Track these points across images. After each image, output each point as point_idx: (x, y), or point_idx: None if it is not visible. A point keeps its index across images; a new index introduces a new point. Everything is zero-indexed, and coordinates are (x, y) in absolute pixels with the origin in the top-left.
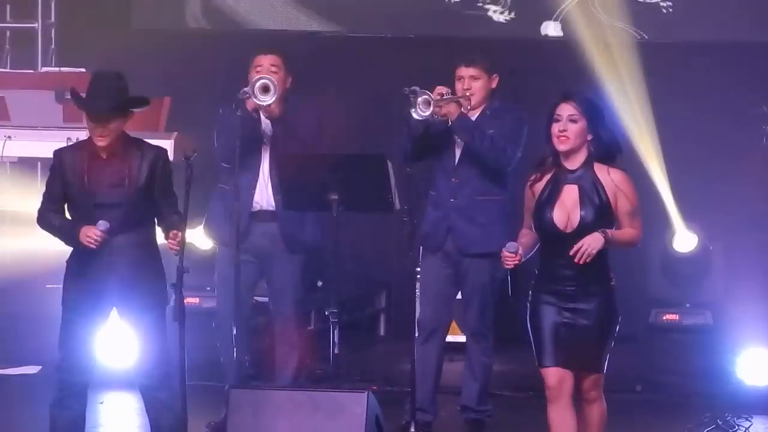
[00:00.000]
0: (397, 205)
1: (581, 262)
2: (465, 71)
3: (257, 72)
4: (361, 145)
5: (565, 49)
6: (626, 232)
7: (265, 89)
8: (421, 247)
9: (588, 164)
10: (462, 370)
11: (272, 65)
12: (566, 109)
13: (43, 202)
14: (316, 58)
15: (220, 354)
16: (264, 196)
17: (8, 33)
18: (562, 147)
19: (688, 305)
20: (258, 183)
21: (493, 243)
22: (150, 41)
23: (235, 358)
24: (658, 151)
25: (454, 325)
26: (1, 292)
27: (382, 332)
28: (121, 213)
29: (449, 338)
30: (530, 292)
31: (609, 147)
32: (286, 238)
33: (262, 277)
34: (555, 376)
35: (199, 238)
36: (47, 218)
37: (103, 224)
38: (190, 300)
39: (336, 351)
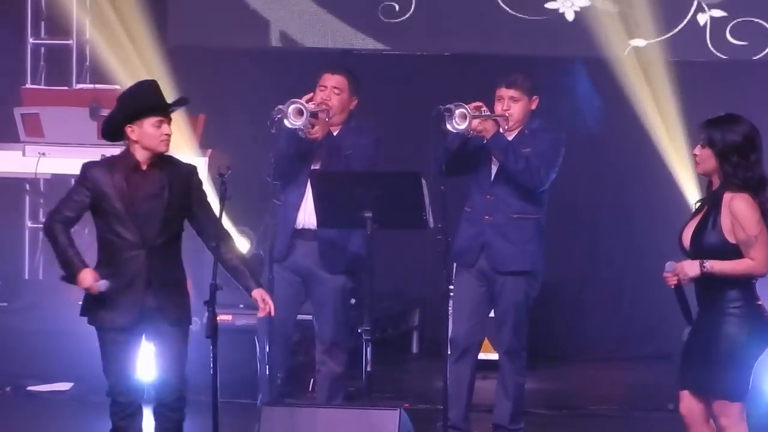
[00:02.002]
0: (432, 223)
1: (672, 285)
2: (505, 92)
3: (321, 91)
4: (396, 162)
5: (600, 68)
6: (737, 263)
7: (299, 113)
8: (454, 265)
9: (721, 188)
10: (495, 388)
11: (335, 87)
12: (701, 135)
13: (58, 208)
14: None
15: (261, 370)
16: (307, 214)
17: (43, 50)
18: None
19: None
20: (303, 201)
21: (527, 261)
22: (184, 58)
23: (267, 375)
24: (691, 167)
25: (486, 342)
26: (34, 309)
27: (415, 350)
28: (160, 224)
29: (482, 356)
30: None
31: (740, 179)
32: (324, 258)
33: (308, 296)
34: (681, 399)
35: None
36: (56, 230)
37: (104, 284)
38: (223, 317)
39: (369, 368)
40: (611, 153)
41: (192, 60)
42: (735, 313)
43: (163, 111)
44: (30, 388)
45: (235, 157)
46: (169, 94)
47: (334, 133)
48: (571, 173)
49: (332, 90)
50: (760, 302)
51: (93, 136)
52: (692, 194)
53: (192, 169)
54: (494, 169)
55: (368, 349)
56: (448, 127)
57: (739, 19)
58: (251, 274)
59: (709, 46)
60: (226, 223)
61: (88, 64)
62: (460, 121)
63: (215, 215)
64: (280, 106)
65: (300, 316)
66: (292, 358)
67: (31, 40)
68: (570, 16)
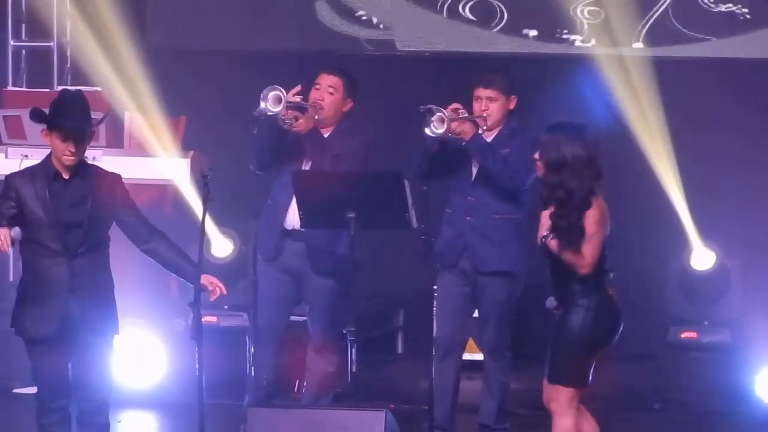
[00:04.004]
0: (415, 224)
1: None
2: (483, 92)
3: (315, 89)
4: (378, 162)
5: (581, 66)
6: (570, 252)
7: (277, 101)
8: (438, 265)
9: None
10: (480, 388)
11: (330, 86)
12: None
13: None
14: None
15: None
16: (296, 215)
17: (24, 52)
18: None
19: (706, 323)
20: (291, 202)
21: (509, 262)
22: (165, 60)
23: (253, 376)
24: (675, 168)
25: (471, 342)
26: None
27: (400, 350)
28: (83, 232)
29: (467, 356)
30: None
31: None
32: (311, 259)
33: (300, 296)
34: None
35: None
36: None
37: (16, 232)
38: (208, 319)
39: (354, 369)
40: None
41: (173, 62)
42: (582, 304)
43: (69, 129)
44: (16, 390)
45: (216, 158)
46: (150, 96)
47: (326, 134)
48: None
49: (326, 89)
50: (611, 293)
51: None
52: (676, 195)
53: (116, 178)
54: (474, 170)
55: (353, 349)
56: (427, 131)
57: None
58: (191, 263)
59: None
60: (209, 224)
61: (69, 66)
62: (437, 124)
63: (145, 218)
64: (261, 107)
65: (293, 318)
66: (280, 359)
67: (12, 42)
68: None
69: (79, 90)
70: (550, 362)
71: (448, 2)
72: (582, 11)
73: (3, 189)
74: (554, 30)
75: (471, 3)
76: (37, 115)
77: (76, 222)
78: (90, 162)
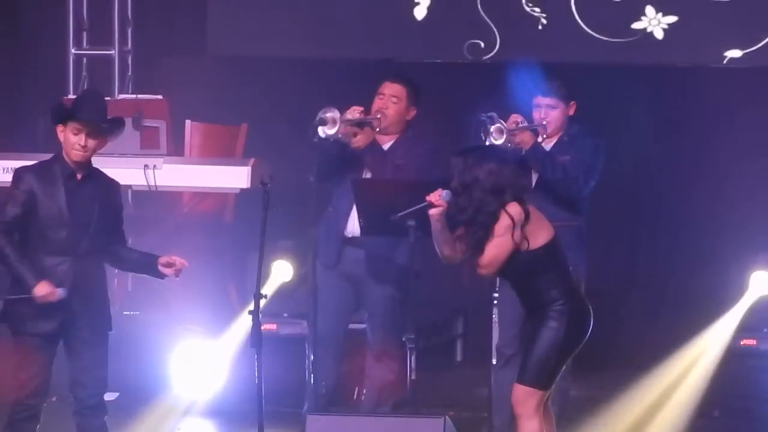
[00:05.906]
0: None
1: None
2: (542, 100)
3: (379, 99)
4: (438, 170)
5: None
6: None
7: (333, 122)
8: None
9: None
10: None
11: (393, 95)
12: None
13: None
14: None
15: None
16: (356, 222)
17: (85, 60)
18: None
19: (766, 330)
20: (352, 209)
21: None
22: (225, 68)
23: (312, 383)
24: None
25: None
26: None
27: (459, 357)
28: (90, 233)
29: None
30: None
31: None
32: (371, 266)
33: (359, 303)
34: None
35: (277, 266)
36: (1, 242)
37: (63, 292)
38: (267, 326)
39: (413, 376)
40: (653, 163)
41: (232, 69)
42: (557, 310)
43: (84, 121)
44: None
45: (278, 166)
46: (209, 104)
47: (389, 144)
48: (611, 181)
49: (390, 99)
50: (583, 296)
51: (136, 146)
52: (734, 204)
53: (117, 186)
54: (534, 177)
55: (413, 357)
56: (486, 142)
57: None
58: (146, 253)
59: None
60: (270, 232)
61: (130, 74)
62: (496, 135)
63: (122, 229)
64: (321, 115)
65: (351, 325)
66: (339, 366)
67: (73, 51)
68: (659, 35)
69: (98, 90)
70: (528, 366)
71: None
72: None
73: (14, 182)
74: None
75: None
76: (55, 114)
77: (85, 222)
78: (94, 169)
